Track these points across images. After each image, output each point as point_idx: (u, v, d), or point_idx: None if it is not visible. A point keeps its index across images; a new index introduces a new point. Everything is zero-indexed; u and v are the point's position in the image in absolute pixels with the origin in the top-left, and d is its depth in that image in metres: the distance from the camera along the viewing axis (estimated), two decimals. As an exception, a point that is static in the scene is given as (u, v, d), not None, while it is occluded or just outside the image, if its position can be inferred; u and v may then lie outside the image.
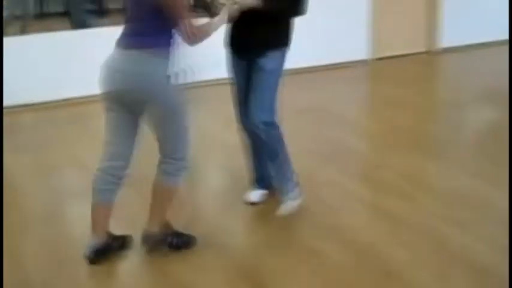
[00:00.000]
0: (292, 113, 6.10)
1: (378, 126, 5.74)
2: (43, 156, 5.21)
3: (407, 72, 7.71)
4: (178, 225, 3.62)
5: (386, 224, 3.78)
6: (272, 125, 3.81)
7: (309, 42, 7.53)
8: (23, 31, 6.87)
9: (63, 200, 4.36)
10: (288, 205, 3.92)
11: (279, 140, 3.88)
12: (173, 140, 3.37)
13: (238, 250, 3.59)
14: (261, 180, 4.12)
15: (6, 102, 6.48)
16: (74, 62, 6.72)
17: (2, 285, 2.92)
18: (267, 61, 3.70)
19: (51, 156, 5.18)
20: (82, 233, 3.81)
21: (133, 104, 3.28)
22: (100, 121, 5.66)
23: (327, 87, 7.11)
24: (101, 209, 3.51)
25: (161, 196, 3.50)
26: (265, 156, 3.93)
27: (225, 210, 4.06)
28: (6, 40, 6.48)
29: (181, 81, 3.38)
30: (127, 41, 3.25)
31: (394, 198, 4.11)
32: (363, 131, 5.67)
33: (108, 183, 3.47)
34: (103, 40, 6.55)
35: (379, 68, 7.97)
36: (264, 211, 4.01)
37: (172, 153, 3.38)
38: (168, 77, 3.24)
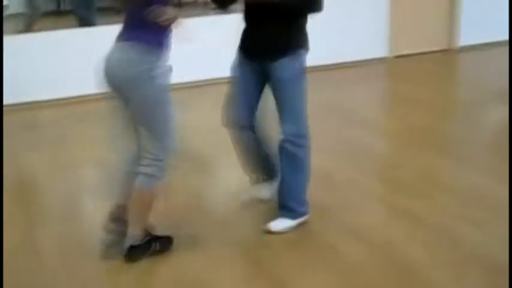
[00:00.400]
0: (309, 111, 6.10)
1: (396, 124, 5.73)
2: (60, 152, 5.26)
3: (425, 70, 7.69)
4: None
5: (404, 222, 3.78)
6: (302, 137, 3.68)
7: (326, 40, 7.54)
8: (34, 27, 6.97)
9: (80, 197, 4.40)
10: (284, 223, 3.73)
11: (306, 154, 3.72)
12: (152, 138, 3.24)
13: (254, 246, 3.61)
14: (269, 178, 4.00)
15: (24, 98, 6.56)
16: (94, 58, 6.76)
17: (1, 285, 2.94)
18: (283, 70, 3.55)
19: (69, 153, 5.23)
20: (99, 230, 3.85)
21: (120, 93, 3.26)
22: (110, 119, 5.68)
23: (344, 86, 7.11)
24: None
25: (139, 202, 3.35)
26: (285, 169, 3.71)
27: (240, 206, 4.08)
28: (28, 36, 6.56)
29: (167, 79, 3.30)
30: (120, 35, 3.30)
31: (411, 198, 4.11)
32: (380, 130, 5.66)
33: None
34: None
35: (397, 66, 7.94)
36: (275, 207, 4.01)
37: (150, 152, 3.26)
38: (154, 71, 3.19)
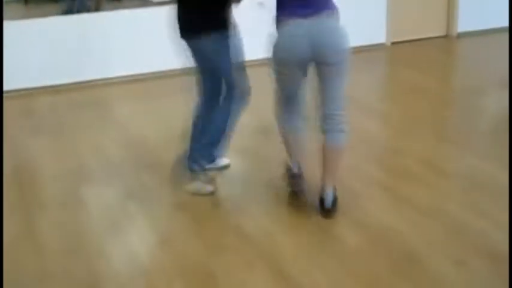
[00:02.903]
0: (308, 98, 6.08)
1: (396, 111, 5.72)
2: (61, 139, 5.25)
3: (423, 56, 7.67)
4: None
5: (405, 209, 3.78)
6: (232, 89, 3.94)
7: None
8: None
9: (80, 184, 4.38)
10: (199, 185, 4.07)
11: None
12: (342, 98, 3.60)
13: (253, 232, 3.60)
14: None
15: (24, 84, 6.54)
16: (93, 44, 6.75)
17: (1, 285, 2.93)
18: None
19: (69, 139, 5.22)
20: (98, 217, 3.86)
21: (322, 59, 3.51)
22: (117, 104, 5.71)
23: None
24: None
25: (340, 158, 3.73)
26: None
27: (240, 191, 4.09)
28: (25, 22, 6.52)
29: None
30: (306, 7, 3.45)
31: (413, 184, 4.11)
32: (380, 116, 5.65)
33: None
34: (121, 23, 6.67)
35: (395, 52, 7.92)
36: (279, 193, 4.04)
37: (342, 110, 3.61)
38: None
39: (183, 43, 3.84)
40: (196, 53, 3.84)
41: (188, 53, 3.86)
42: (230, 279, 3.17)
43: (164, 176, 4.32)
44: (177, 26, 3.83)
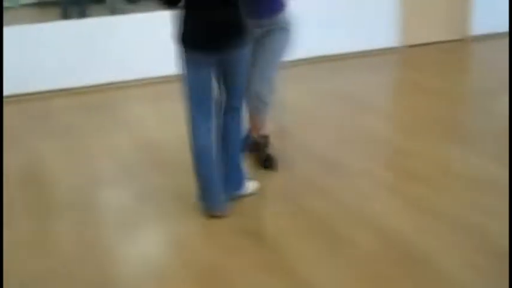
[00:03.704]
0: (321, 100, 6.10)
1: (408, 113, 5.70)
2: (74, 141, 5.28)
3: (437, 59, 7.64)
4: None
5: (414, 211, 3.78)
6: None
7: (339, 30, 7.52)
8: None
9: (93, 185, 4.41)
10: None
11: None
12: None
13: (266, 236, 3.61)
14: None
15: (39, 87, 6.59)
16: (106, 47, 6.79)
17: (1, 284, 2.96)
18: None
19: (82, 142, 5.25)
20: (111, 219, 3.88)
21: None
22: (130, 107, 5.74)
23: (356, 75, 7.08)
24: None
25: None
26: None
27: (251, 192, 4.09)
28: (39, 26, 6.58)
29: None
30: None
31: (422, 186, 4.10)
32: (392, 119, 5.64)
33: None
34: (134, 26, 6.71)
35: (409, 55, 7.89)
36: (289, 196, 4.05)
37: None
38: None
39: (198, 59, 3.64)
40: (230, 66, 3.69)
41: (207, 69, 3.67)
42: (243, 281, 3.17)
43: (177, 177, 4.35)
44: (192, 39, 3.60)
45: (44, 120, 5.93)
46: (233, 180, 3.93)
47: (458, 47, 8.24)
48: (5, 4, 6.68)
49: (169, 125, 5.44)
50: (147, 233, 3.74)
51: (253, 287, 3.14)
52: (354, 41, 7.76)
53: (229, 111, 3.84)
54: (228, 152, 3.87)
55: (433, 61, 7.57)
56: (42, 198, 4.21)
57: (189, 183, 3.99)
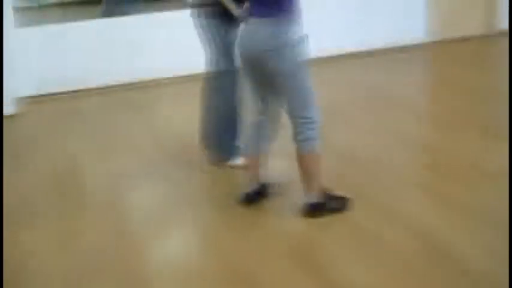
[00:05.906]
0: (351, 96, 6.07)
1: (437, 108, 5.65)
2: (104, 140, 5.32)
3: (465, 54, 7.54)
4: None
5: (444, 208, 3.73)
6: None
7: (367, 25, 7.49)
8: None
9: (121, 184, 4.43)
10: None
11: None
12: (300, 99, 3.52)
13: (292, 233, 3.60)
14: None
15: (70, 87, 6.67)
16: (135, 46, 6.83)
17: (1, 284, 2.97)
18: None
19: (112, 141, 5.29)
20: (140, 218, 3.89)
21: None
22: (156, 107, 5.74)
23: (385, 70, 7.02)
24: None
25: (310, 165, 3.63)
26: None
27: (282, 196, 4.05)
28: (68, 25, 6.64)
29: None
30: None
31: (452, 183, 4.05)
32: (422, 115, 5.58)
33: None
34: (164, 24, 6.73)
35: (436, 51, 7.81)
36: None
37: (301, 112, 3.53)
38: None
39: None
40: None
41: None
42: (275, 285, 3.14)
43: (208, 178, 4.37)
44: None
45: (74, 118, 5.99)
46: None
47: (486, 41, 8.13)
48: (25, 4, 6.85)
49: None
50: (177, 234, 3.75)
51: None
52: (382, 37, 7.69)
53: None
54: None
55: (460, 56, 7.46)
56: (73, 197, 4.24)
57: (222, 182, 3.97)
